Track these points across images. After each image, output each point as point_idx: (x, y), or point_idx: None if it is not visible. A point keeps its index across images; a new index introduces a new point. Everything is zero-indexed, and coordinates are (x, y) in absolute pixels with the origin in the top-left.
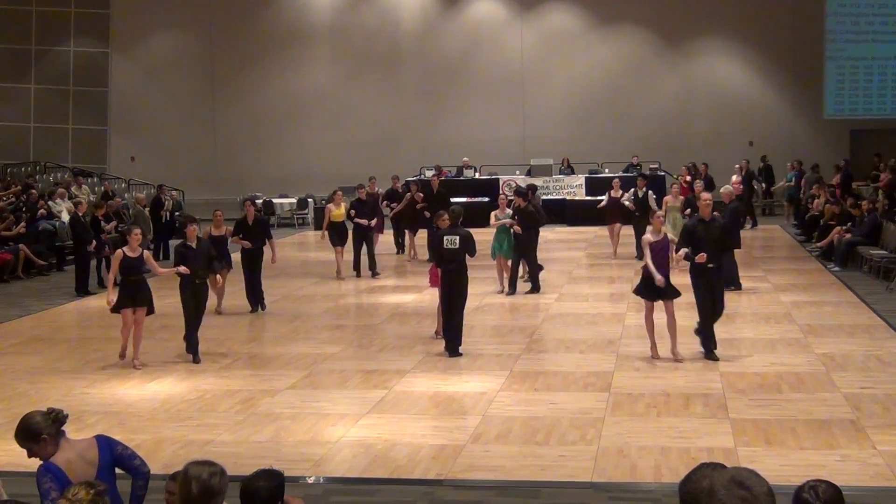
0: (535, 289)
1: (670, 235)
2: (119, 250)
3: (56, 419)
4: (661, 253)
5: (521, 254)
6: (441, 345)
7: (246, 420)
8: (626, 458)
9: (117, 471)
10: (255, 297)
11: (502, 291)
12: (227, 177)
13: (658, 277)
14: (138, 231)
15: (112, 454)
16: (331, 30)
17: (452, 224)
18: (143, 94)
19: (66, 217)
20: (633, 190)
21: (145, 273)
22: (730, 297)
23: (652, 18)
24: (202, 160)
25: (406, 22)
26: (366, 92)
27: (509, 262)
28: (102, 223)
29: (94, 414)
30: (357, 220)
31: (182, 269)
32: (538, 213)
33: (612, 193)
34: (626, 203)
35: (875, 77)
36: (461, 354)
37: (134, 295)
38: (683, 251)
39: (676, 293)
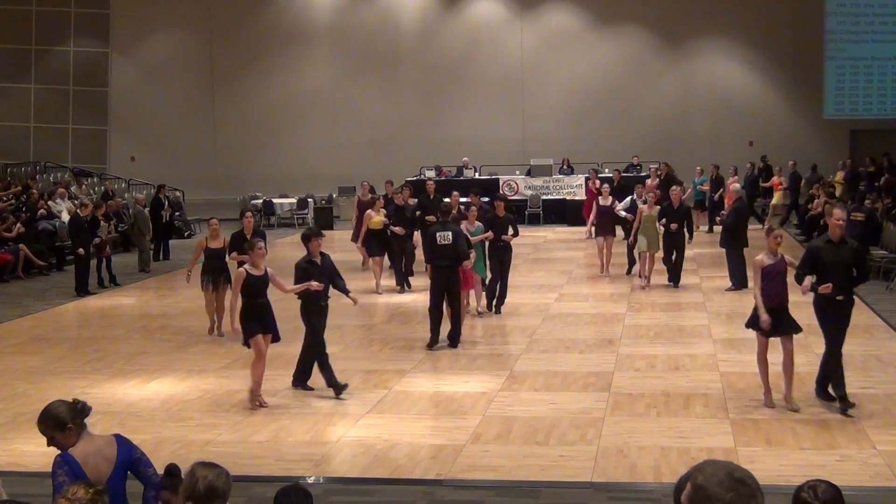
0: (499, 307)
1: (642, 248)
2: (241, 269)
3: (82, 410)
4: (778, 279)
5: (502, 269)
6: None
7: (246, 420)
8: (626, 458)
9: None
10: None
11: (480, 312)
12: (227, 177)
13: (764, 317)
14: (262, 244)
15: (130, 456)
16: (331, 30)
17: (444, 220)
18: (143, 94)
19: (66, 217)
20: (630, 198)
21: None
22: (731, 297)
23: (652, 18)
24: (202, 160)
25: (406, 22)
26: (366, 92)
27: (485, 280)
28: (102, 223)
29: (94, 414)
30: (393, 228)
31: (315, 284)
32: (515, 222)
33: (602, 201)
34: (622, 213)
35: (875, 77)
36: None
37: (264, 320)
38: (808, 281)
39: (797, 327)
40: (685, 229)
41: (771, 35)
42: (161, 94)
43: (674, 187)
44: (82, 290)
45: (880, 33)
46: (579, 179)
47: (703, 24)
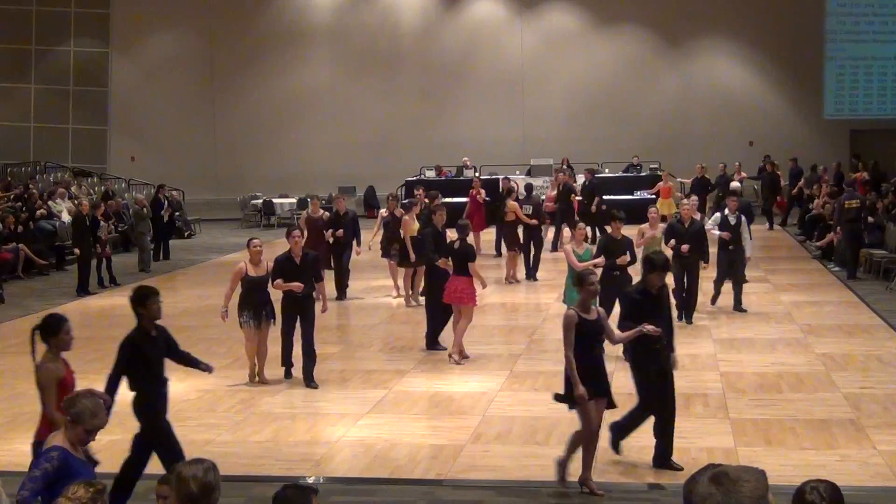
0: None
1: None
2: (571, 312)
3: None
4: None
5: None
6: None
7: (246, 420)
8: (626, 458)
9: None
10: (308, 363)
11: None
12: (227, 177)
13: None
14: (594, 278)
15: (35, 458)
16: (331, 30)
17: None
18: (143, 94)
19: (66, 217)
20: (719, 215)
21: None
22: (730, 297)
23: (652, 18)
24: (202, 160)
25: (406, 22)
26: (366, 92)
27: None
28: (102, 223)
29: None
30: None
31: (651, 328)
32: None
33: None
34: (715, 232)
35: (875, 77)
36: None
37: (600, 379)
38: None
39: None
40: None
41: (771, 35)
42: (161, 94)
43: (684, 201)
44: (83, 290)
45: (880, 33)
46: (579, 179)
47: (703, 24)
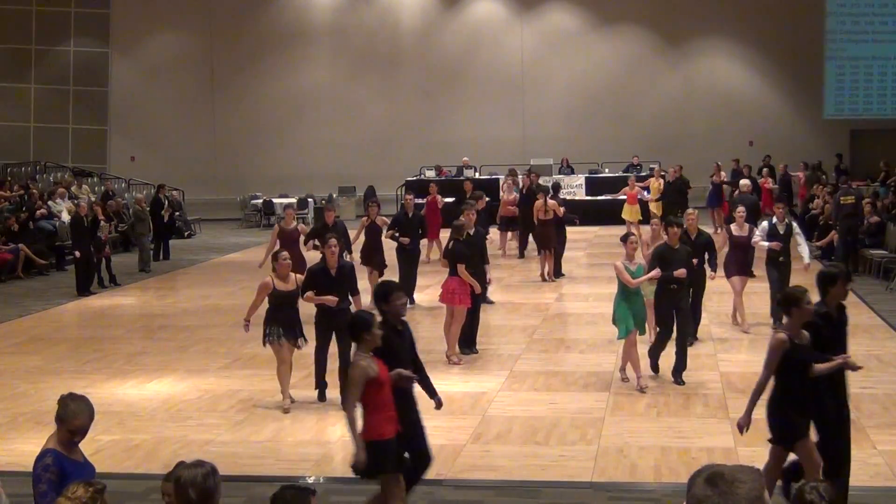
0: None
1: (647, 295)
2: (781, 336)
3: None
4: None
5: (679, 320)
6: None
7: (246, 420)
8: (626, 458)
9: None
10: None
11: (642, 388)
12: (227, 177)
13: None
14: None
15: (34, 471)
16: (331, 30)
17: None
18: (143, 94)
19: (66, 217)
20: (766, 224)
21: None
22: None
23: (652, 18)
24: (202, 160)
25: (406, 22)
26: (366, 92)
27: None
28: (102, 223)
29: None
30: (401, 239)
31: (850, 362)
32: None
33: (735, 230)
34: (763, 243)
35: (875, 77)
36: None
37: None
38: None
39: None
40: (707, 264)
41: (771, 35)
42: (161, 94)
43: (689, 210)
44: (83, 290)
45: (880, 33)
46: (579, 179)
47: (703, 24)
